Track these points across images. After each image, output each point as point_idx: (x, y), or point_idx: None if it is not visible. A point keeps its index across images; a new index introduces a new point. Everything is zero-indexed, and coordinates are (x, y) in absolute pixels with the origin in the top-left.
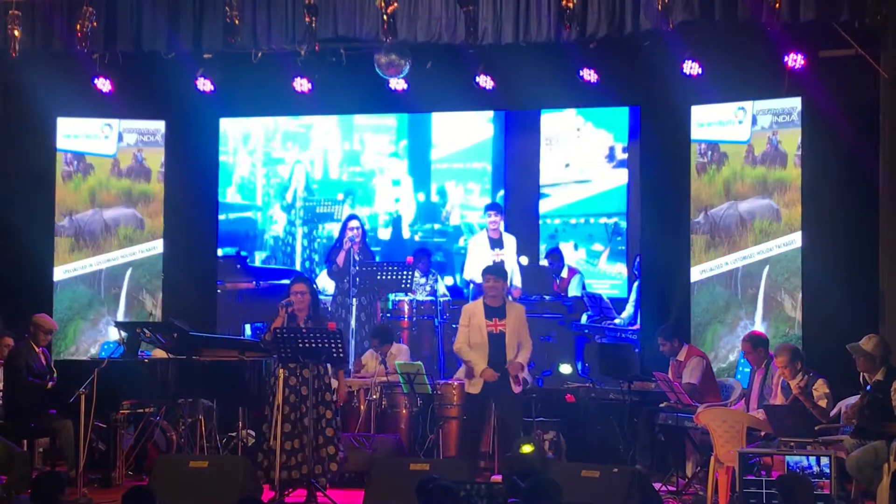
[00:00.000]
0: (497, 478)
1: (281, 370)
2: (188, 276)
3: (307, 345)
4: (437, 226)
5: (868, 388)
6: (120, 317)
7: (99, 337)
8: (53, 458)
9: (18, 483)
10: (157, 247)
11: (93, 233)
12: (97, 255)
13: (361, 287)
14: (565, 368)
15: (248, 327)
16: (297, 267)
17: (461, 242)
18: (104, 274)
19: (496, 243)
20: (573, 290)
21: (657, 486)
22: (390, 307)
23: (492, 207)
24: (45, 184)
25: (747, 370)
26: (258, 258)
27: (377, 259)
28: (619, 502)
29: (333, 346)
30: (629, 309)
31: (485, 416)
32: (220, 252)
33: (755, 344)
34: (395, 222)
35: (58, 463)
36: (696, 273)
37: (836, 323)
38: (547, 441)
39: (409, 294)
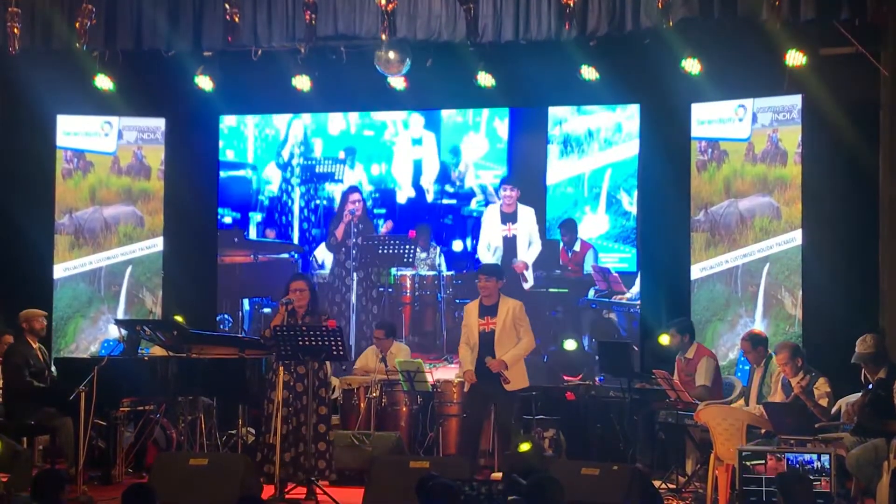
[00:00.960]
0: (497, 475)
1: (280, 367)
2: (188, 273)
3: (307, 343)
4: (448, 187)
5: (869, 386)
6: (120, 314)
7: (99, 335)
8: (53, 456)
9: (20, 481)
10: (157, 244)
11: (93, 230)
12: (97, 252)
13: (362, 261)
14: (570, 344)
15: (246, 302)
16: (295, 233)
17: (472, 205)
18: (104, 271)
19: (508, 217)
20: (586, 266)
21: (657, 483)
22: (392, 282)
23: (507, 181)
24: (45, 181)
25: (747, 368)
26: (253, 220)
27: (379, 231)
28: (619, 500)
29: (333, 343)
30: (638, 284)
31: (479, 414)
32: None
33: (754, 343)
34: (417, 187)
35: (58, 461)
36: (697, 271)
37: (836, 321)
38: (547, 439)
39: (410, 269)
